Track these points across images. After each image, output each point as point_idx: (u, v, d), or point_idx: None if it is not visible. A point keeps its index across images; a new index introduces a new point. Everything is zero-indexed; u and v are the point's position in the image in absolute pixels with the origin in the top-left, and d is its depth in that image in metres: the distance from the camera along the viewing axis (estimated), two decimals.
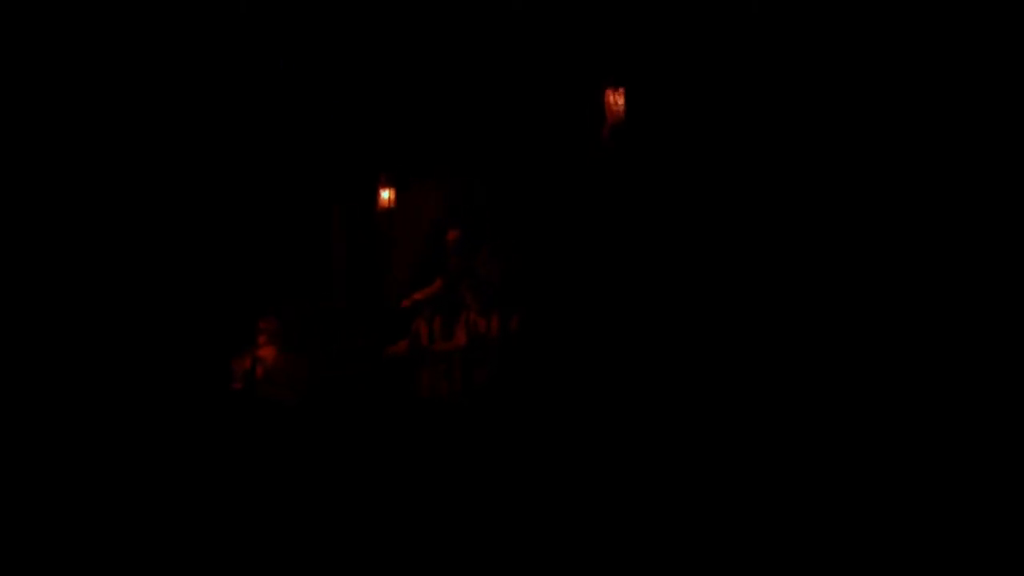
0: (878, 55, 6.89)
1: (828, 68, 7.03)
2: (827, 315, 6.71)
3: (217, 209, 9.12)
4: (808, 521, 5.90)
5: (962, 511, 5.67)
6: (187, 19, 8.39)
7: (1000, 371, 6.05)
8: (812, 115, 7.06)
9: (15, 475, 7.13)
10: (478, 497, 6.81)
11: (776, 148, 7.15)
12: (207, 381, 8.38)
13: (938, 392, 6.18)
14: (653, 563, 5.96)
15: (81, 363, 8.23)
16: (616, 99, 7.68)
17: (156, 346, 8.58)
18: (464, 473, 7.06)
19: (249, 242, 9.23)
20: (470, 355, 8.02)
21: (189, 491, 7.10)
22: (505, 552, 6.27)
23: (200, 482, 7.24)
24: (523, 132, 8.50)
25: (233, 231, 9.18)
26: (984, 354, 6.18)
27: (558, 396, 7.37)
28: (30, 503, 6.85)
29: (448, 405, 7.89)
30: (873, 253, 6.74)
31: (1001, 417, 5.95)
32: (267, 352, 8.51)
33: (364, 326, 9.17)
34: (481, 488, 6.87)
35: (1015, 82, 6.44)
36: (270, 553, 6.47)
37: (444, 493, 6.93)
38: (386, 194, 9.13)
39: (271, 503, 7.02)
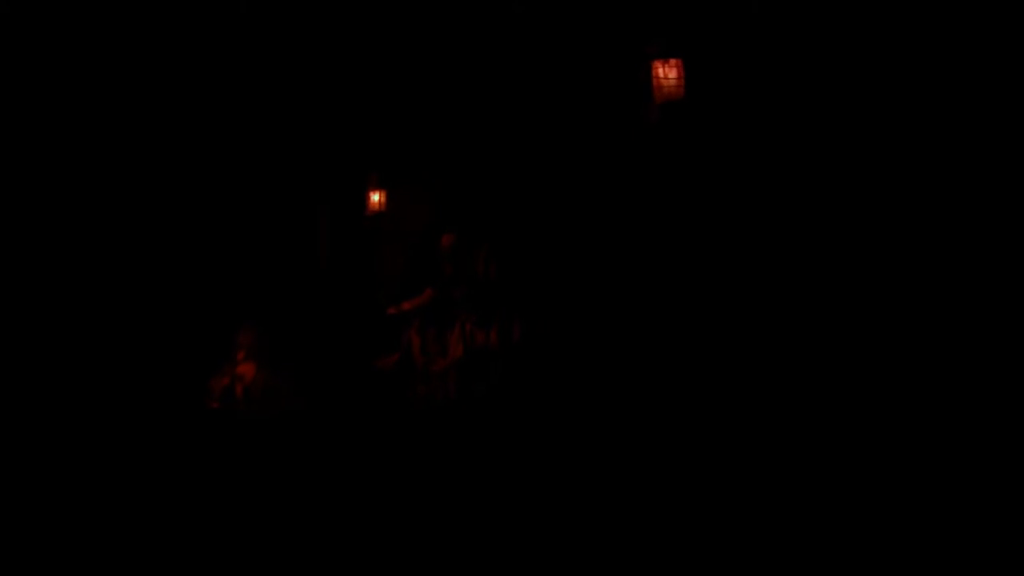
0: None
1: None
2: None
3: (190, 214, 8.80)
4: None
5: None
6: (168, 16, 8.08)
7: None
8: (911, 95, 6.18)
9: None
10: (475, 517, 6.57)
11: (868, 134, 6.27)
12: (182, 400, 8.15)
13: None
14: None
15: (45, 384, 7.92)
16: (667, 72, 6.74)
17: (126, 363, 8.29)
18: (460, 493, 6.83)
19: (225, 250, 8.92)
20: (467, 368, 7.72)
21: (166, 516, 6.94)
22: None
23: (177, 507, 7.07)
24: (537, 115, 7.90)
25: (207, 238, 8.86)
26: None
27: (563, 413, 7.05)
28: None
29: (443, 418, 7.60)
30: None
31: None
32: (246, 368, 8.24)
33: (351, 339, 8.89)
34: (478, 508, 6.64)
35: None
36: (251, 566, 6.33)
37: (438, 512, 6.71)
38: (376, 196, 8.78)
39: (252, 527, 6.85)
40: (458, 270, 8.14)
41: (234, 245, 8.96)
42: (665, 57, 6.64)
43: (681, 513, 6.07)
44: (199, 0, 7.95)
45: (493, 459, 6.86)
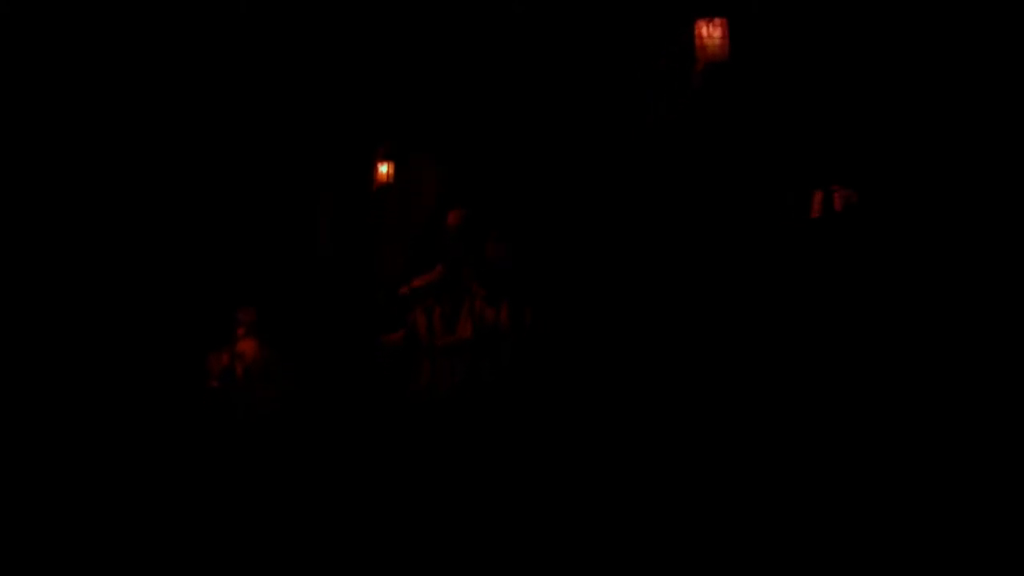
0: None
1: None
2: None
3: (188, 191, 8.77)
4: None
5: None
6: None
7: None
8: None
9: None
10: (482, 507, 6.43)
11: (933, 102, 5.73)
12: (181, 379, 8.19)
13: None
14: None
15: (45, 365, 8.00)
16: (711, 32, 6.25)
17: (125, 342, 8.34)
18: (468, 480, 6.67)
19: (224, 226, 8.88)
20: (476, 349, 7.44)
21: (166, 497, 6.94)
22: (509, 562, 5.92)
23: (177, 487, 7.09)
24: (556, 88, 7.57)
25: (206, 214, 8.82)
26: None
27: (576, 396, 6.79)
28: None
29: (451, 404, 7.34)
30: None
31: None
32: (247, 346, 8.22)
33: (355, 318, 8.75)
34: (485, 497, 6.48)
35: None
36: (254, 559, 6.23)
37: (444, 501, 6.59)
38: (384, 168, 8.47)
39: (251, 509, 6.84)
40: (467, 249, 7.84)
41: (235, 223, 8.92)
42: (709, 16, 6.24)
43: (694, 506, 5.87)
44: None
45: (502, 450, 6.67)
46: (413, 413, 7.44)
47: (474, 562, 6.00)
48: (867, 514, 5.34)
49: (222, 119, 8.70)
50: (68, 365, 8.06)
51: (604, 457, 6.44)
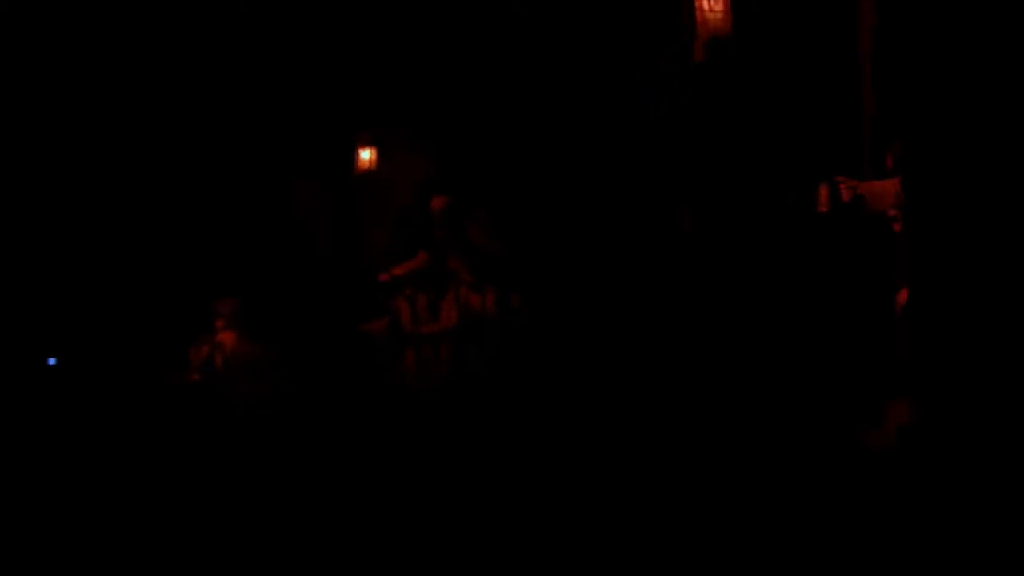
0: None
1: None
2: None
3: (162, 176, 8.61)
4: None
5: None
6: None
7: None
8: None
9: None
10: (470, 500, 6.23)
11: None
12: (159, 373, 8.00)
13: None
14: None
15: (19, 359, 7.96)
16: (712, 5, 6.08)
17: (100, 334, 8.25)
18: (456, 473, 6.51)
19: (202, 215, 8.71)
20: (462, 337, 7.44)
21: (145, 494, 6.70)
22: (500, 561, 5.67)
23: (156, 484, 6.84)
24: (543, 69, 7.49)
25: (181, 203, 8.66)
26: None
27: (565, 385, 6.75)
28: None
29: (437, 394, 7.33)
30: None
31: None
32: (227, 338, 8.03)
33: (337, 305, 8.65)
34: (474, 491, 6.30)
35: None
36: (235, 558, 5.96)
37: (432, 495, 6.36)
38: (366, 154, 8.39)
39: (233, 506, 6.57)
40: (452, 235, 7.84)
41: (213, 212, 8.78)
42: None
43: (688, 503, 5.67)
44: None
45: (491, 442, 6.59)
46: (399, 404, 7.36)
47: (465, 558, 5.85)
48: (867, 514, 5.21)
49: (196, 104, 8.58)
50: (45, 358, 8.03)
51: (594, 450, 6.33)
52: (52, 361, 8.11)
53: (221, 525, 6.28)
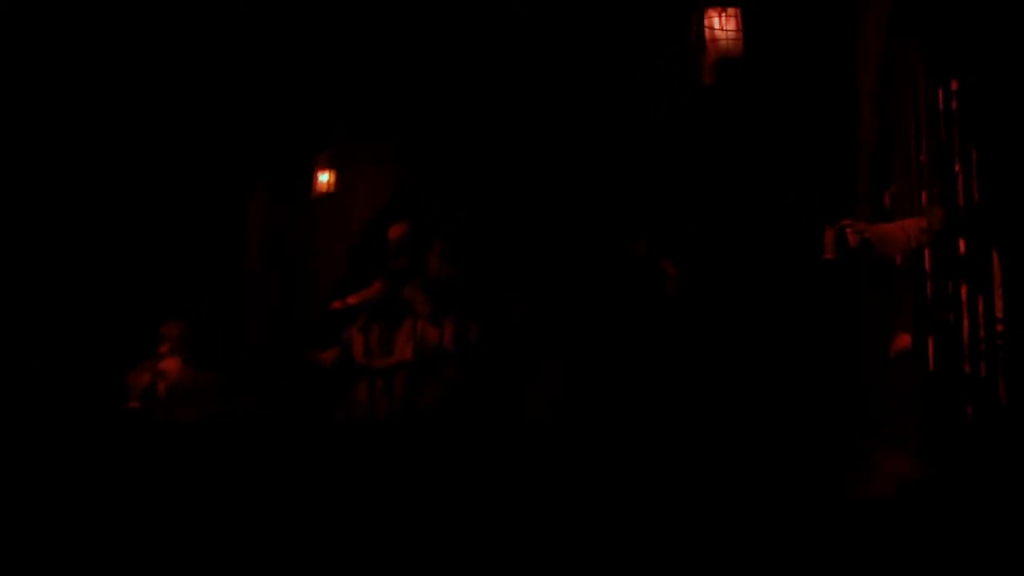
0: None
1: None
2: None
3: (107, 193, 8.42)
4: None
5: None
6: None
7: None
8: None
9: None
10: (420, 544, 5.86)
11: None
12: (97, 400, 7.75)
13: None
14: None
15: None
16: (724, 24, 5.83)
17: (35, 359, 7.98)
18: (406, 513, 6.14)
19: (147, 232, 8.54)
20: (418, 371, 7.30)
21: (80, 526, 6.33)
22: None
23: (92, 517, 6.47)
24: (519, 88, 7.29)
25: (127, 218, 8.49)
26: None
27: (527, 423, 6.53)
28: None
29: (389, 431, 7.13)
30: None
31: None
32: (170, 364, 7.93)
33: (286, 334, 8.49)
34: (425, 534, 5.93)
35: None
36: None
37: (379, 536, 6.00)
38: (324, 176, 8.13)
39: (174, 540, 6.19)
40: (409, 264, 7.72)
41: (161, 233, 8.61)
42: (722, 5, 5.82)
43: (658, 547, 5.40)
44: None
45: (444, 482, 6.26)
46: (347, 439, 7.11)
47: None
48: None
49: (148, 118, 8.39)
50: None
51: (555, 489, 6.02)
52: None
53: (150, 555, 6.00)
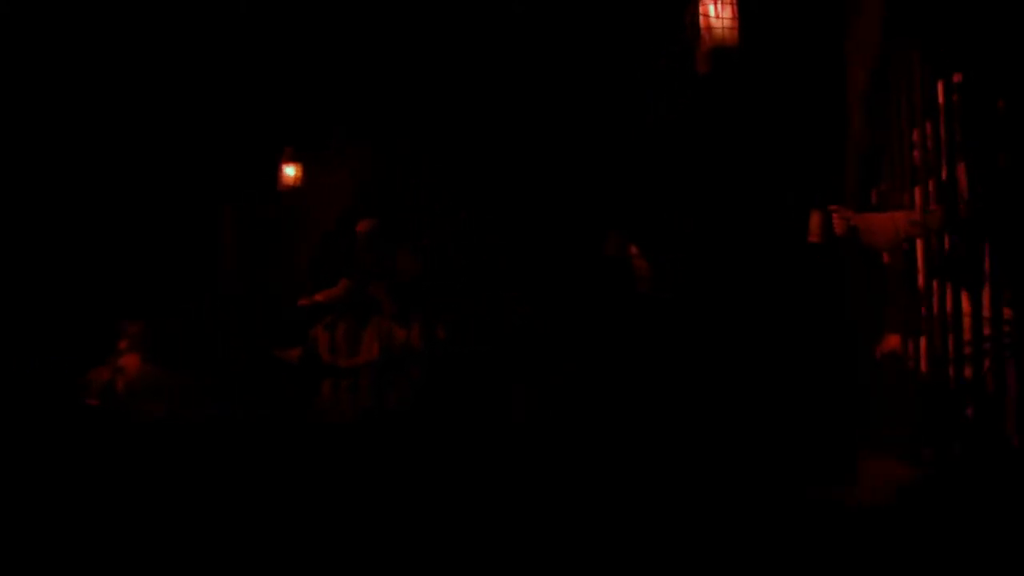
0: None
1: None
2: None
3: (63, 187, 8.30)
4: None
5: None
6: None
7: None
8: None
9: None
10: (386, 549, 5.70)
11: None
12: (56, 396, 7.63)
13: None
14: None
15: None
16: (719, 11, 5.76)
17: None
18: (372, 518, 5.97)
19: (107, 227, 8.42)
20: (384, 370, 7.25)
21: (34, 526, 6.10)
22: None
23: (47, 516, 6.24)
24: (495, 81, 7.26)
25: (85, 213, 8.36)
26: None
27: (497, 424, 6.48)
28: None
29: (354, 431, 7.03)
30: None
31: None
32: (129, 361, 7.85)
33: (250, 331, 8.43)
34: (391, 539, 5.76)
35: None
36: None
37: (344, 541, 5.83)
38: (291, 170, 8.15)
39: (131, 541, 5.96)
40: (377, 261, 7.65)
41: (123, 229, 8.50)
42: None
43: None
44: None
45: (412, 485, 6.13)
46: (312, 440, 6.95)
47: None
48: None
49: (102, 114, 8.28)
50: None
51: (522, 491, 5.89)
52: None
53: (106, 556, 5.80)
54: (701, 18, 5.79)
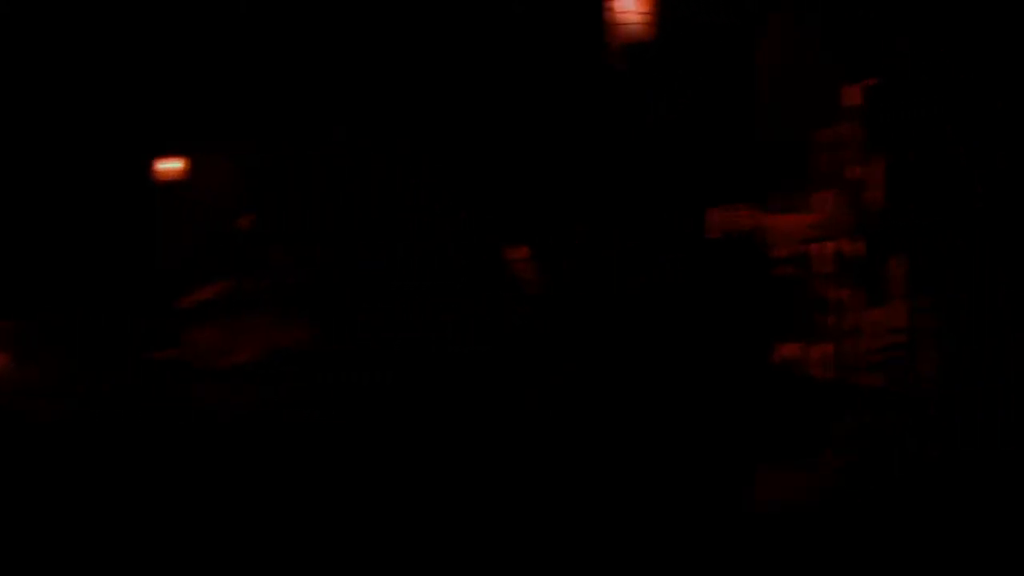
0: None
1: None
2: None
3: None
4: None
5: None
6: None
7: None
8: None
9: None
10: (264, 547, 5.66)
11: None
12: None
13: None
14: None
15: None
16: (635, 5, 5.80)
17: None
18: (252, 521, 5.93)
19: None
20: (264, 371, 7.30)
21: None
22: None
23: None
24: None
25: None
26: None
27: (384, 427, 6.41)
28: None
29: (233, 432, 6.89)
30: None
31: None
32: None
33: (126, 329, 8.23)
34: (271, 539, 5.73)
35: None
36: None
37: (224, 538, 5.79)
38: (173, 164, 8.15)
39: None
40: (258, 259, 7.81)
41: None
42: None
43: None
44: None
45: (296, 487, 6.09)
46: (190, 441, 6.91)
47: None
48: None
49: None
50: None
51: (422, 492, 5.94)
52: None
53: None
54: (615, 14, 5.79)
